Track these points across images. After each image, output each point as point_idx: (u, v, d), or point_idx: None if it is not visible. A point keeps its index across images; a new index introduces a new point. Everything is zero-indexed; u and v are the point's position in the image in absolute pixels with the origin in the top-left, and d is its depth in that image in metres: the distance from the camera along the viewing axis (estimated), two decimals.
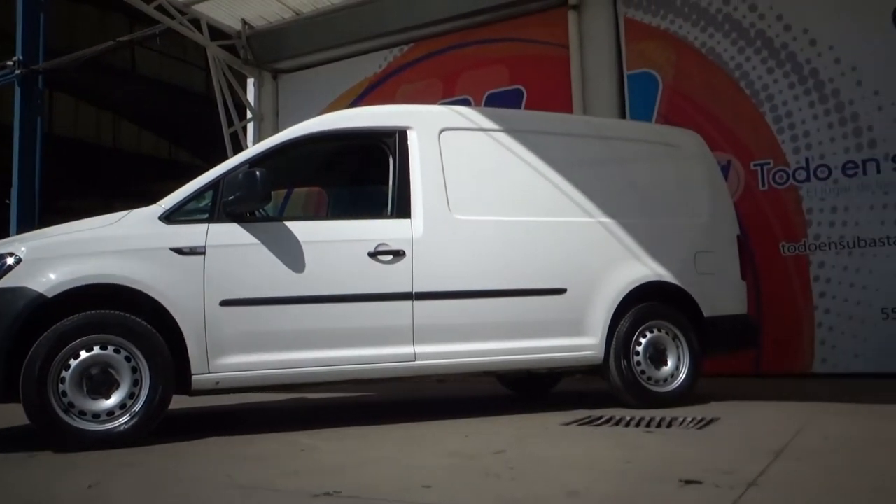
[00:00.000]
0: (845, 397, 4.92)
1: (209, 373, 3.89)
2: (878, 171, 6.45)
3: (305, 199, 4.74)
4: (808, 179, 6.72)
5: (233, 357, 3.93)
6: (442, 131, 4.61)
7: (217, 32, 9.34)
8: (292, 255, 4.08)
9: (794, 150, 6.79)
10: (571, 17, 7.79)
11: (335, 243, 4.22)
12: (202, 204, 4.11)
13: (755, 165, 6.94)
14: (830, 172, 6.63)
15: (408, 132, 4.53)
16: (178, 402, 4.18)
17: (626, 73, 7.62)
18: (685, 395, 4.74)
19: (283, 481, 2.86)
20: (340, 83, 9.15)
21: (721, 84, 7.14)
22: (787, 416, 4.16)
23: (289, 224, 4.17)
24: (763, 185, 6.90)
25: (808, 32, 6.81)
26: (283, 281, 4.05)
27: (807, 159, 6.74)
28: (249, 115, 9.77)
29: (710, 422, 4.01)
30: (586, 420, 4.23)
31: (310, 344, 4.07)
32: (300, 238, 4.12)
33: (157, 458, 3.41)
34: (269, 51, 9.48)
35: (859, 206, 6.50)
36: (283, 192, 4.76)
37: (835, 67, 6.68)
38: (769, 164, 6.88)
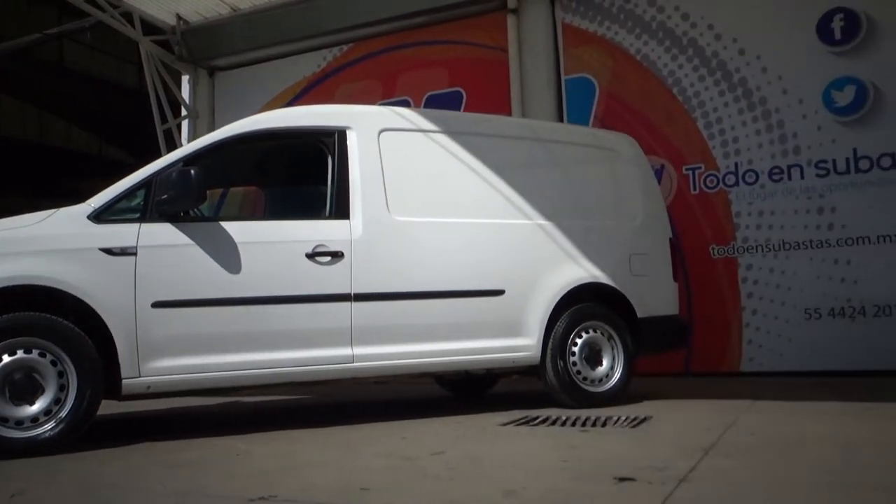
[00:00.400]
0: (771, 395, 5.10)
1: (140, 376, 3.78)
2: (802, 177, 6.71)
3: (242, 199, 4.66)
4: (736, 184, 6.94)
5: (165, 360, 3.83)
6: (381, 132, 4.60)
7: (150, 27, 9.10)
8: (228, 255, 4.01)
9: (724, 156, 7.01)
10: (510, 20, 7.87)
11: (272, 244, 4.16)
12: (134, 203, 3.99)
13: (687, 170, 7.13)
14: (758, 177, 6.87)
15: (347, 132, 4.50)
16: (108, 407, 4.06)
17: (563, 77, 7.74)
18: (619, 395, 4.83)
19: (218, 486, 2.80)
20: (278, 82, 9.04)
21: (655, 90, 7.32)
22: (717, 413, 4.28)
23: (224, 224, 4.09)
24: (694, 189, 7.09)
25: (737, 42, 7.04)
26: (218, 282, 3.97)
27: (736, 164, 6.96)
28: (184, 112, 9.55)
29: (643, 420, 4.10)
30: (523, 420, 4.28)
31: (245, 346, 4.00)
32: (236, 238, 4.05)
33: (85, 465, 3.30)
34: (205, 47, 9.29)
35: (784, 210, 6.75)
36: (219, 191, 4.68)
37: (762, 76, 6.93)
38: (700, 168, 7.09)
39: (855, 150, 6.54)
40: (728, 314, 6.87)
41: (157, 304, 3.83)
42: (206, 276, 3.96)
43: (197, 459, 3.37)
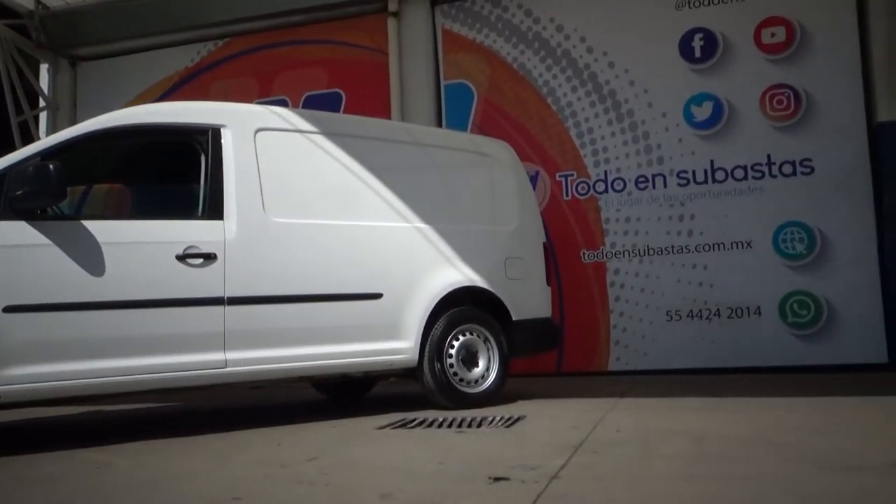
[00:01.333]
0: (636, 393, 5.36)
1: None
2: (665, 186, 7.11)
3: (106, 198, 4.42)
4: (606, 191, 7.27)
5: (19, 368, 3.57)
6: (258, 131, 4.49)
7: (4, 9, 8.46)
8: (90, 256, 3.79)
9: (595, 164, 7.32)
10: (391, 23, 7.89)
11: (139, 245, 3.97)
12: None
13: (560, 177, 7.39)
14: (625, 185, 7.21)
15: (221, 130, 4.36)
16: None
17: (442, 82, 7.84)
18: (495, 395, 4.94)
19: (79, 502, 2.64)
20: (148, 75, 8.64)
21: (530, 99, 7.55)
22: (586, 412, 4.45)
23: (87, 223, 3.87)
24: (567, 195, 7.36)
25: (607, 55, 7.37)
26: (79, 285, 3.75)
27: (605, 172, 7.28)
28: (42, 103, 8.95)
29: (517, 420, 4.21)
30: (400, 423, 4.29)
31: (109, 352, 3.80)
32: (99, 239, 3.84)
33: None
34: (67, 35, 8.74)
35: (649, 217, 7.13)
36: (81, 189, 4.42)
37: (630, 89, 7.29)
38: (573, 175, 7.36)
39: (712, 162, 7.00)
40: (597, 316, 7.17)
41: (9, 309, 3.56)
42: (65, 278, 3.72)
43: (52, 475, 3.16)
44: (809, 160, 6.78)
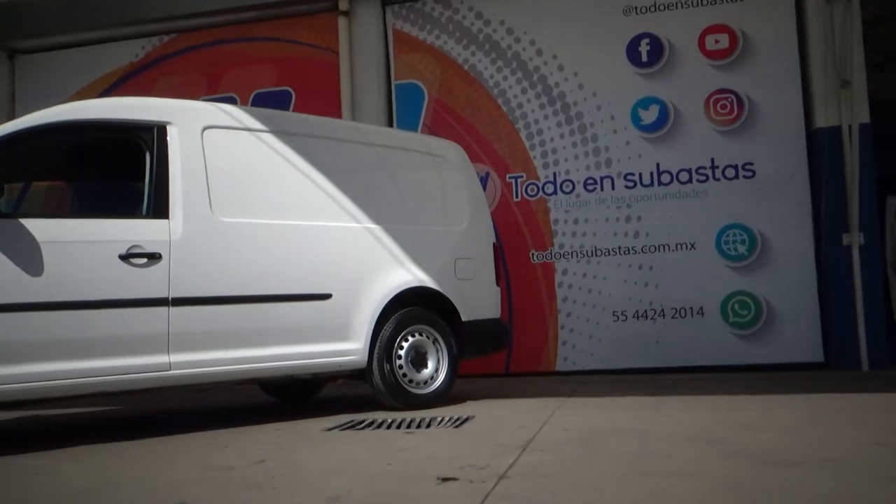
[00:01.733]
0: (583, 393, 5.44)
1: None
2: (613, 188, 7.21)
3: (46, 196, 4.31)
4: (555, 193, 7.35)
5: None
6: (205, 129, 4.42)
7: None
8: (27, 256, 3.68)
9: (544, 166, 7.39)
10: (342, 23, 7.83)
11: (80, 244, 3.87)
12: None
13: (510, 178, 7.45)
14: (574, 187, 7.30)
15: (167, 128, 4.28)
16: None
17: (393, 82, 7.82)
18: (444, 396, 4.95)
19: None
20: (90, 70, 8.40)
21: (481, 100, 7.58)
22: (534, 411, 4.50)
23: (24, 222, 3.75)
24: (517, 196, 7.42)
25: (556, 58, 7.44)
26: (15, 285, 3.63)
27: (554, 174, 7.36)
28: None
29: (466, 420, 4.23)
30: (349, 424, 4.27)
31: (48, 355, 3.69)
32: (38, 238, 3.73)
33: None
34: (6, 27, 8.43)
35: (597, 218, 7.23)
36: (20, 186, 4.29)
37: (579, 92, 7.38)
38: (522, 177, 7.42)
39: (658, 165, 7.14)
40: (545, 317, 7.24)
41: None
42: (2, 278, 3.61)
43: None
44: (751, 164, 6.96)
